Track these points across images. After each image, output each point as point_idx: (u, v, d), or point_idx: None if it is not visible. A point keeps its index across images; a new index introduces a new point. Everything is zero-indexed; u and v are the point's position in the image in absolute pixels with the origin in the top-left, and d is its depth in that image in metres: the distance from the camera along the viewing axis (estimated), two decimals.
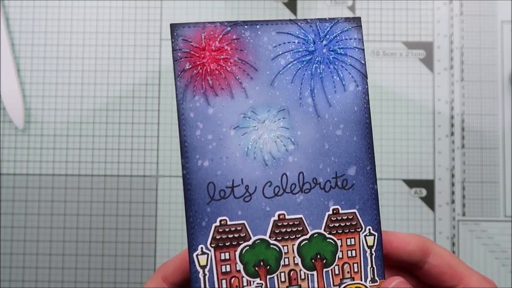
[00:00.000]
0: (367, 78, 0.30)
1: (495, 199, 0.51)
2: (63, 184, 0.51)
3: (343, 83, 0.30)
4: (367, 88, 0.30)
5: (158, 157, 0.51)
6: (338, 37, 0.30)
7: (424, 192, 0.51)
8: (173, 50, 0.29)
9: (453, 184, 0.51)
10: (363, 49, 0.30)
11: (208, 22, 0.29)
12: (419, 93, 0.51)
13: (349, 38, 0.30)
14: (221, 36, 0.29)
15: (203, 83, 0.29)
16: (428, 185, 0.51)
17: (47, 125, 0.51)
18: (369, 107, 0.30)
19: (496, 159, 0.51)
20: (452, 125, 0.51)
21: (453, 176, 0.51)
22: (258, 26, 0.29)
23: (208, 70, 0.29)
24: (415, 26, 0.52)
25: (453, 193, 0.51)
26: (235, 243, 0.28)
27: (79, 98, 0.52)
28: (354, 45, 0.30)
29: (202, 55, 0.29)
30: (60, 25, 0.52)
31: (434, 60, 0.52)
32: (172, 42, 0.29)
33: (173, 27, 0.29)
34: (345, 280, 0.29)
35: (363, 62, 0.30)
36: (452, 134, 0.51)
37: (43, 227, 0.51)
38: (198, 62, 0.29)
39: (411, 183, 0.51)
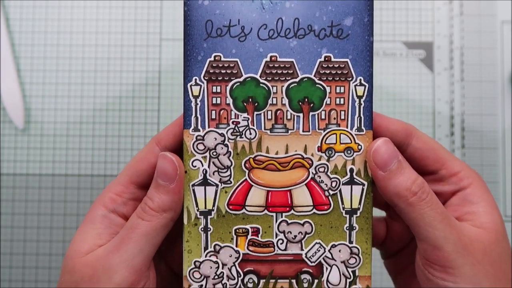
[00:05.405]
0: None
1: (495, 199, 0.50)
2: (63, 184, 0.51)
3: None
4: None
5: None
6: None
7: None
8: None
9: None
10: None
11: None
12: (419, 93, 0.51)
13: None
14: None
15: None
16: None
17: (47, 125, 0.51)
18: None
19: (496, 159, 0.51)
20: (452, 125, 0.51)
21: None
22: None
23: None
24: (415, 26, 0.52)
25: None
26: (227, 78, 0.30)
27: (79, 98, 0.52)
28: None
29: None
30: (60, 25, 0.52)
31: (434, 60, 0.52)
32: None
33: None
34: (330, 126, 0.30)
35: None
36: (452, 134, 0.51)
37: (43, 227, 0.51)
38: None
39: None
